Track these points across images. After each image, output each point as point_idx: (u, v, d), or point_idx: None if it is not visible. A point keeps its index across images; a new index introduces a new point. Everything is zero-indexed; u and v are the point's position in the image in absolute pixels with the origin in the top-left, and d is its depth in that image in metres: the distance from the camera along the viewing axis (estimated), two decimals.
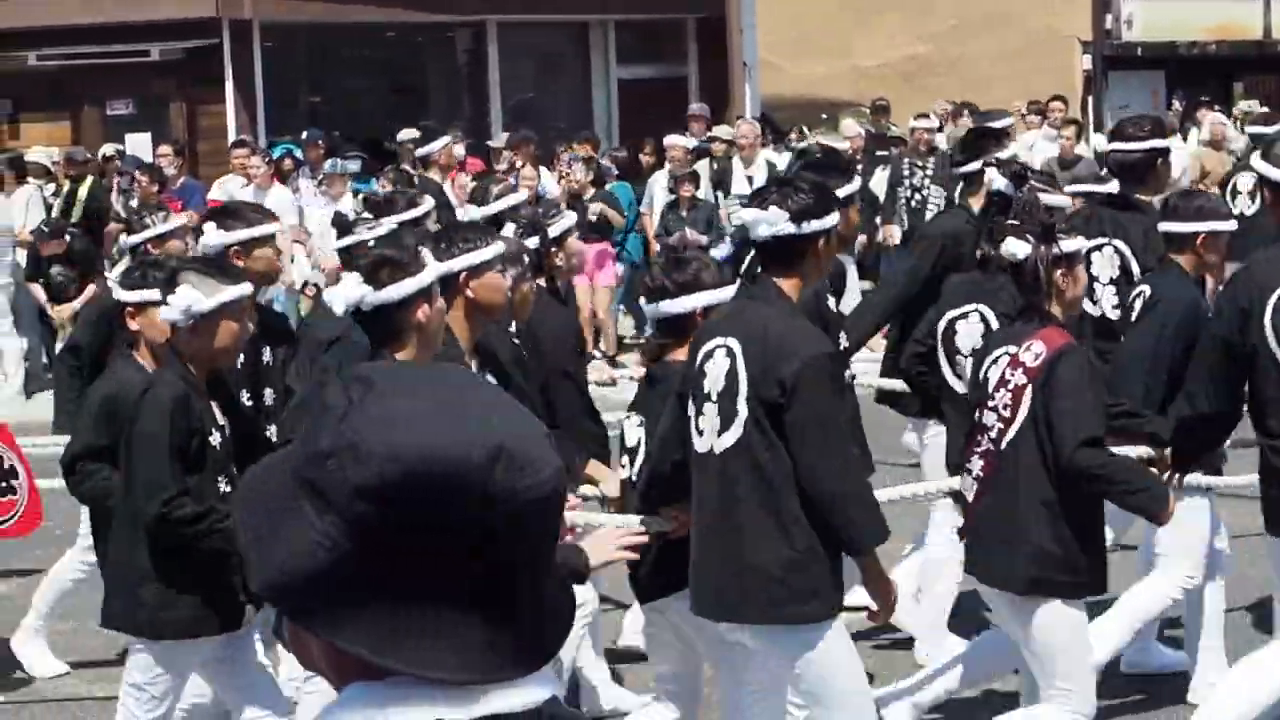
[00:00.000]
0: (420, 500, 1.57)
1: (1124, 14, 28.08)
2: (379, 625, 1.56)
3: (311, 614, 1.58)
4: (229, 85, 20.87)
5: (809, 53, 30.01)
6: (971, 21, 30.78)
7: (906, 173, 16.41)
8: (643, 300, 5.94)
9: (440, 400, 1.63)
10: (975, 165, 7.69)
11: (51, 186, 16.85)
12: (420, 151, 15.34)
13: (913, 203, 16.36)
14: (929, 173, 16.24)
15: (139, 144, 19.77)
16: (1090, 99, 25.95)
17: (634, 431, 5.74)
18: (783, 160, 17.30)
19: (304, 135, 18.20)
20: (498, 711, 1.59)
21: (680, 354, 5.55)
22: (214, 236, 6.65)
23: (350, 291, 5.05)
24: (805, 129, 19.22)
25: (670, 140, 17.31)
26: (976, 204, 7.57)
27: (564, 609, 1.69)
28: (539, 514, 1.61)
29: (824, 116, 24.07)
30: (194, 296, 5.41)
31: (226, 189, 16.25)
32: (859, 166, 17.05)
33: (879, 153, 18.02)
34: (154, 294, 5.85)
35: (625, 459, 5.83)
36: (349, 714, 1.59)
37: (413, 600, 1.57)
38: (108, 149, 18.49)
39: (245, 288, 5.64)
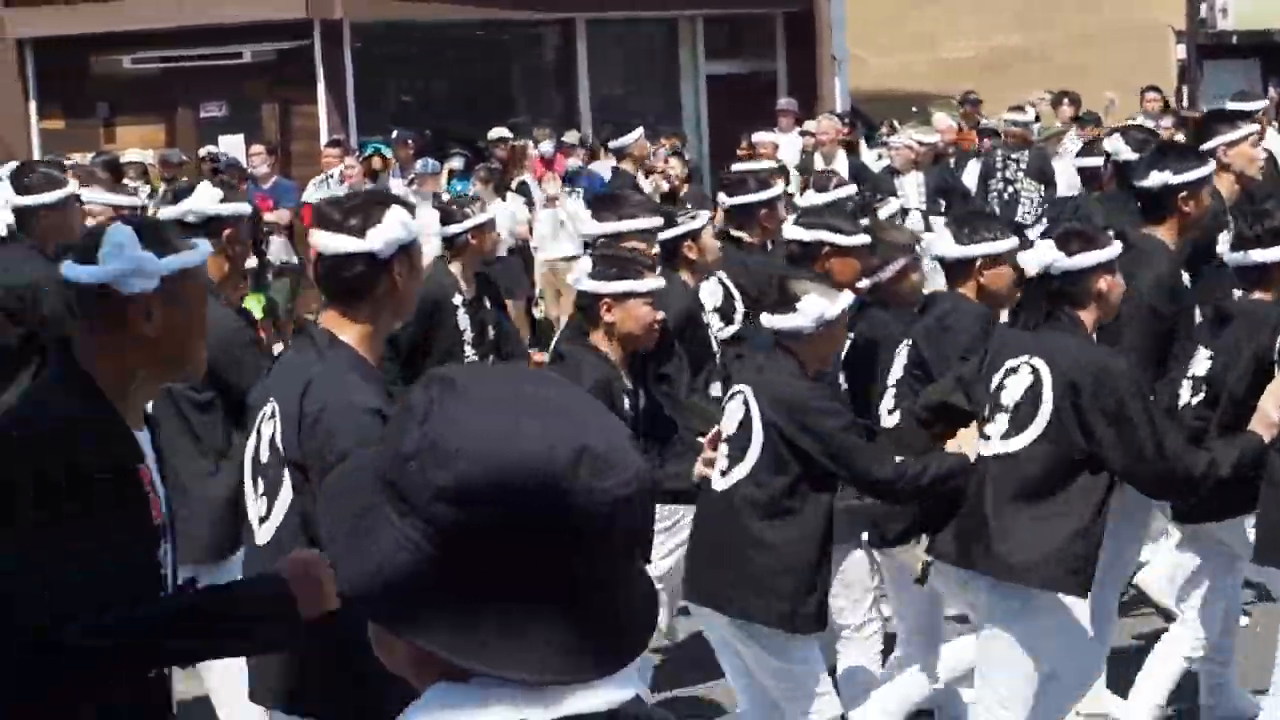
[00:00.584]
0: (501, 501, 1.57)
1: (1218, 2, 27.76)
2: (461, 626, 1.57)
3: (395, 616, 1.59)
4: (320, 86, 21.02)
5: (897, 46, 29.87)
6: (1062, 11, 30.54)
7: (999, 165, 16.28)
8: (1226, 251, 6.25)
9: (522, 401, 1.63)
10: (1212, 143, 7.57)
11: (147, 188, 17.02)
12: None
13: (1005, 195, 16.24)
14: (1022, 166, 16.10)
15: (232, 145, 19.94)
16: (1185, 88, 25.68)
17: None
18: (870, 155, 17.23)
19: (394, 135, 18.30)
20: (580, 712, 1.59)
21: None
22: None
23: (1043, 255, 5.52)
24: (895, 123, 19.09)
25: (759, 137, 17.27)
26: (1223, 187, 7.43)
27: (647, 609, 1.69)
28: (622, 514, 1.61)
29: (914, 109, 23.94)
30: (823, 305, 5.59)
31: (320, 189, 16.36)
32: (951, 160, 16.99)
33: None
34: (634, 284, 5.94)
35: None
36: (432, 714, 1.59)
37: (495, 601, 1.57)
38: (203, 151, 18.67)
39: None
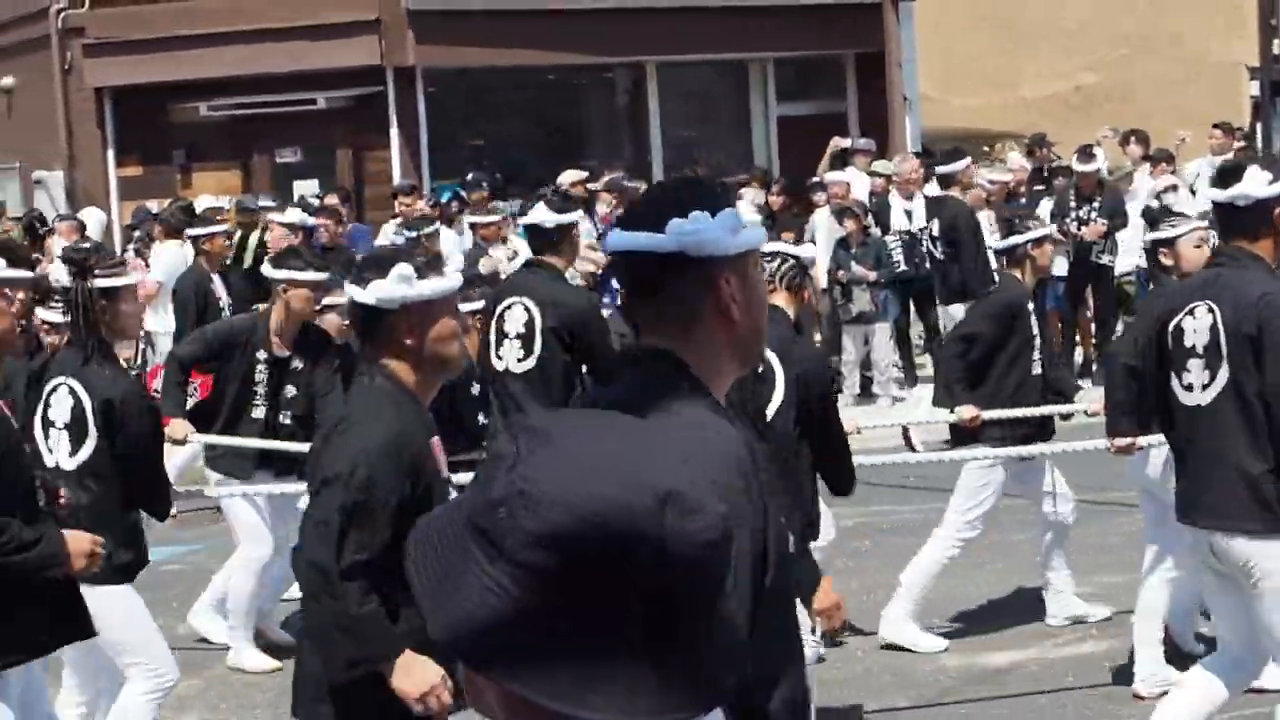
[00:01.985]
0: (590, 546, 1.58)
1: None
2: (553, 670, 1.58)
3: (486, 660, 1.61)
4: (394, 131, 21.19)
5: (971, 85, 29.80)
6: (1136, 50, 30.40)
7: (1073, 204, 16.22)
8: None
9: (608, 446, 1.65)
10: None
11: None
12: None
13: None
14: (1095, 206, 16.04)
15: (307, 191, 20.10)
16: (1259, 125, 25.49)
17: None
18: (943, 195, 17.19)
19: (468, 178, 18.41)
20: None
21: None
22: None
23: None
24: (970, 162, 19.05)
25: (831, 176, 17.28)
26: None
27: (736, 648, 1.70)
28: (709, 557, 1.62)
29: (985, 149, 23.88)
30: None
31: (392, 233, 16.46)
32: (1023, 198, 16.94)
33: (1036, 186, 17.90)
34: None
35: None
36: None
37: (585, 645, 1.59)
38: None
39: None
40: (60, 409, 6.41)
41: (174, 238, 15.66)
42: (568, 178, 17.67)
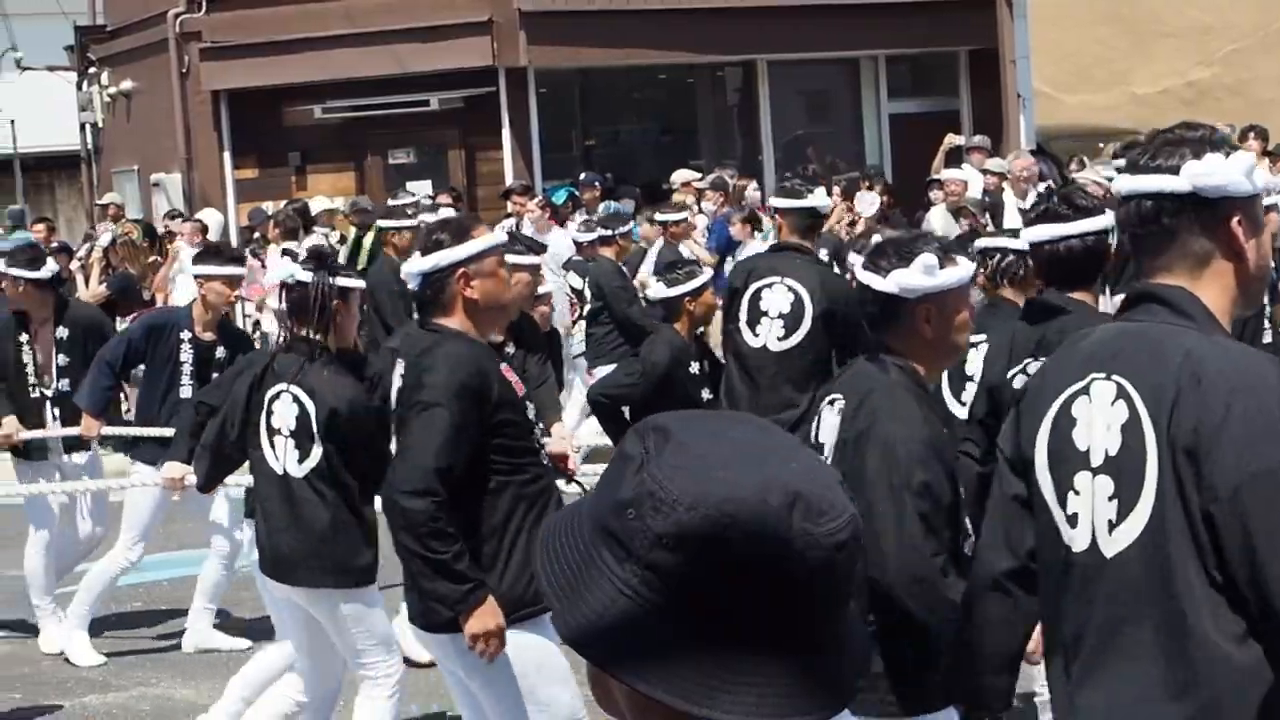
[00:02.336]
0: (719, 548, 1.58)
1: None
2: (683, 671, 1.58)
3: (615, 660, 1.61)
4: (506, 132, 21.28)
5: (1086, 82, 29.48)
6: (1253, 45, 29.98)
7: None
8: None
9: (737, 447, 1.65)
10: None
11: (336, 234, 17.32)
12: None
13: None
14: None
15: (419, 192, 20.21)
16: None
17: None
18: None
19: (581, 177, 18.46)
20: None
21: None
22: None
23: None
24: (1085, 159, 18.86)
25: (948, 174, 17.16)
26: None
27: (861, 651, 1.69)
28: (836, 558, 1.62)
29: (1100, 146, 23.64)
30: None
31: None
32: None
33: None
34: None
35: None
36: None
37: (714, 645, 1.59)
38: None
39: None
40: (285, 416, 6.34)
41: (289, 239, 15.82)
42: (679, 177, 17.68)
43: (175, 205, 21.90)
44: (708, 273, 9.07)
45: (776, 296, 8.17)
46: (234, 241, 20.08)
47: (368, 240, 16.86)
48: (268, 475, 6.39)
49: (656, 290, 8.83)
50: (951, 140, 19.10)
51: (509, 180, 19.82)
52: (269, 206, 18.84)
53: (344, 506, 6.36)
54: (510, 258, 8.51)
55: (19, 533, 10.00)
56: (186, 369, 8.98)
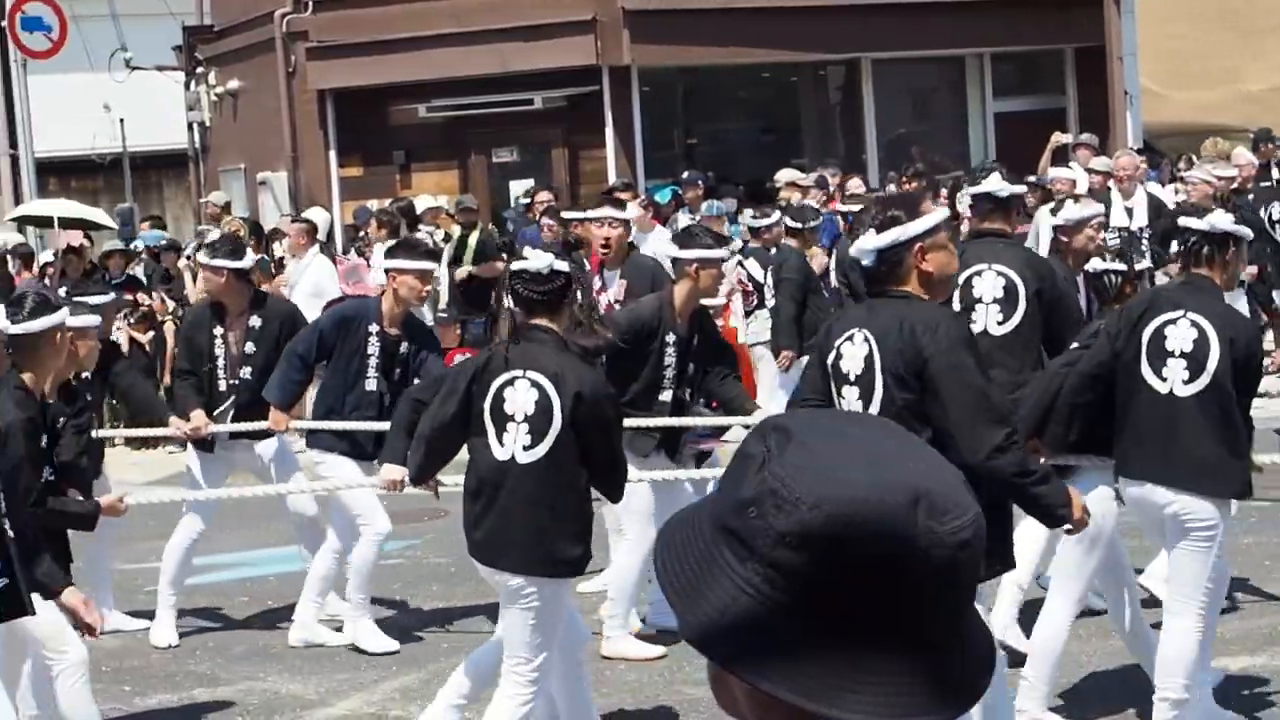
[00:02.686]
0: (842, 547, 1.57)
1: None
2: (806, 670, 1.57)
3: (737, 659, 1.60)
4: (609, 130, 21.31)
5: (1194, 79, 29.18)
6: None
7: None
8: None
9: (858, 446, 1.64)
10: None
11: (440, 233, 17.41)
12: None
13: None
14: None
15: (521, 191, 20.31)
16: None
17: None
18: (1165, 191, 16.86)
19: (684, 176, 18.46)
20: None
21: None
22: None
23: None
24: (1194, 157, 18.65)
25: (1056, 172, 17.02)
26: None
27: (985, 651, 1.68)
28: (961, 557, 1.61)
29: (1208, 143, 23.36)
30: None
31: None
32: (1250, 195, 16.54)
33: (1263, 183, 17.46)
34: None
35: None
36: None
37: (838, 645, 1.58)
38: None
39: None
40: (521, 403, 6.40)
41: (393, 236, 15.91)
42: (784, 177, 17.63)
43: (281, 204, 22.11)
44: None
45: (987, 283, 8.34)
46: (339, 240, 20.25)
47: (472, 239, 16.95)
48: (489, 462, 6.43)
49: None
50: (1058, 139, 18.95)
51: (611, 179, 19.84)
52: (373, 205, 18.97)
53: (568, 495, 6.42)
54: (696, 252, 8.71)
55: (129, 530, 10.12)
56: (373, 362, 9.03)
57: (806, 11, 21.33)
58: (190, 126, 25.57)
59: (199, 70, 24.82)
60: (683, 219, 16.79)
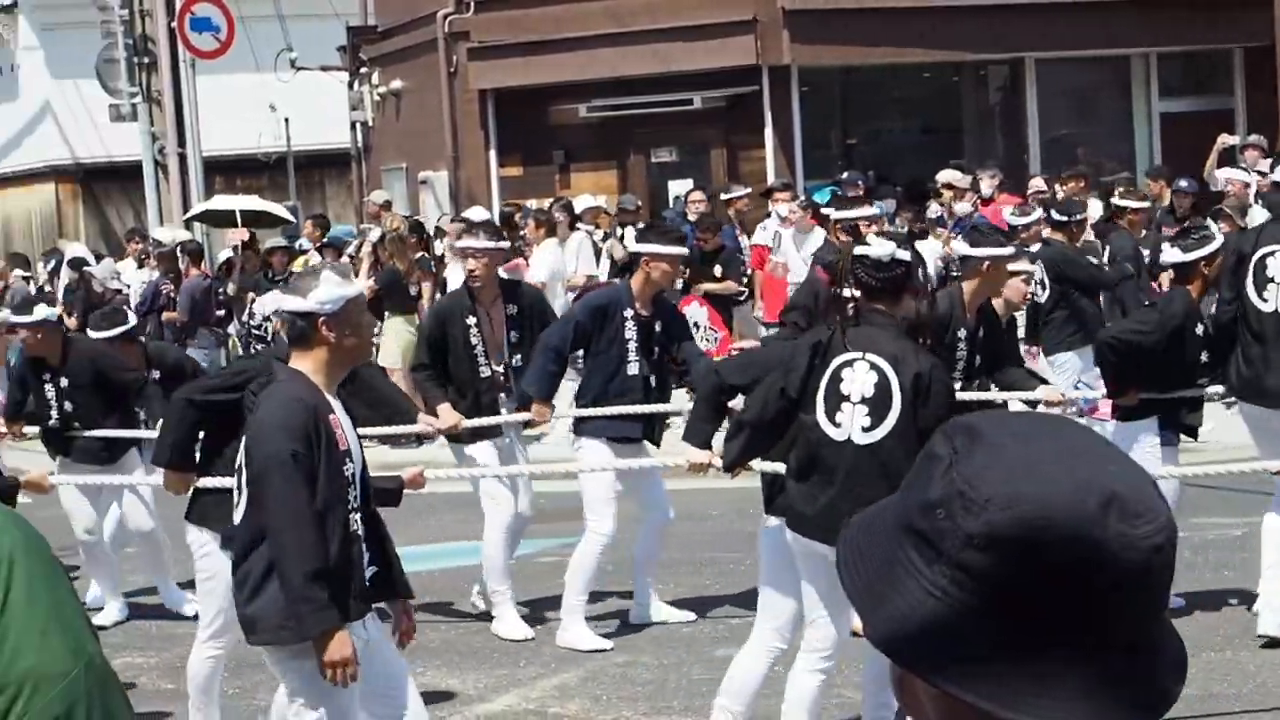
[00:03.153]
0: (1032, 549, 1.55)
1: None
2: (994, 674, 1.55)
3: (923, 662, 1.58)
4: (768, 130, 21.27)
5: None
6: None
7: None
8: None
9: (1049, 448, 1.61)
10: None
11: (600, 232, 17.48)
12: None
13: None
14: None
15: (681, 191, 20.32)
16: None
17: None
18: None
19: (843, 176, 18.38)
20: None
21: None
22: None
23: None
24: None
25: (1227, 173, 16.73)
26: None
27: (1178, 653, 1.65)
28: (1153, 562, 1.58)
29: None
30: None
31: (767, 232, 16.56)
32: None
33: None
34: None
35: None
36: None
37: (1026, 649, 1.55)
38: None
39: None
40: (860, 384, 6.47)
41: (550, 235, 15.99)
42: (945, 178, 17.49)
43: (442, 203, 22.32)
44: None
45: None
46: None
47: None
48: (823, 441, 6.49)
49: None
50: (1224, 140, 18.62)
51: (770, 179, 19.80)
52: (532, 204, 19.09)
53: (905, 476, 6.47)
54: (987, 250, 8.90)
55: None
56: (632, 346, 9.18)
57: (969, 11, 21.14)
58: (353, 126, 25.89)
59: (362, 70, 25.12)
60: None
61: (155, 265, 18.84)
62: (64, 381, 9.83)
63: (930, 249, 15.12)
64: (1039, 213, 13.45)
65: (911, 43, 21.34)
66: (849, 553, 1.68)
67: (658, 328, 9.21)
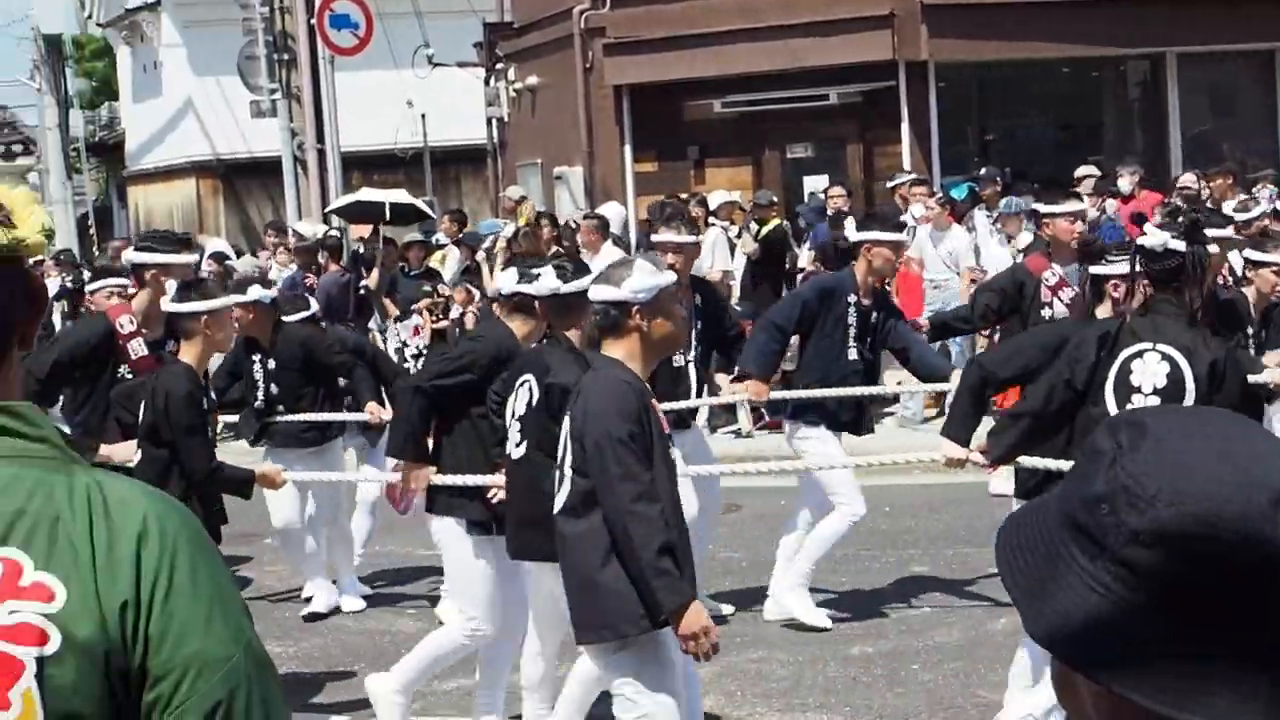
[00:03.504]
0: (1198, 545, 1.53)
1: None
2: (1159, 673, 1.53)
3: (1086, 659, 1.57)
4: (904, 126, 21.15)
5: None
6: None
7: None
8: None
9: (1216, 444, 1.59)
10: None
11: (735, 228, 17.46)
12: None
13: None
14: None
15: (816, 186, 20.27)
16: None
17: None
18: None
19: (981, 173, 18.24)
20: None
21: None
22: None
23: None
24: None
25: None
26: None
27: None
28: None
29: None
30: None
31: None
32: None
33: None
34: None
35: None
36: None
37: (1193, 646, 1.53)
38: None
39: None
40: (1151, 374, 6.45)
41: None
42: (1083, 174, 17.30)
43: (577, 198, 22.38)
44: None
45: None
46: (633, 235, 20.43)
47: (764, 234, 16.96)
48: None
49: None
50: None
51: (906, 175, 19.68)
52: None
53: None
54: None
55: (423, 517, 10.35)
56: (852, 332, 9.26)
57: (1108, 5, 20.87)
58: (489, 122, 26.05)
59: (498, 66, 25.26)
60: (979, 217, 16.60)
61: (293, 259, 19.02)
62: (271, 364, 9.85)
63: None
64: (1264, 205, 13.22)
65: (1050, 37, 21.10)
66: (1009, 547, 1.67)
67: (873, 317, 9.28)
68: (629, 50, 21.86)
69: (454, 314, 17.26)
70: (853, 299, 9.24)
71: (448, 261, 18.75)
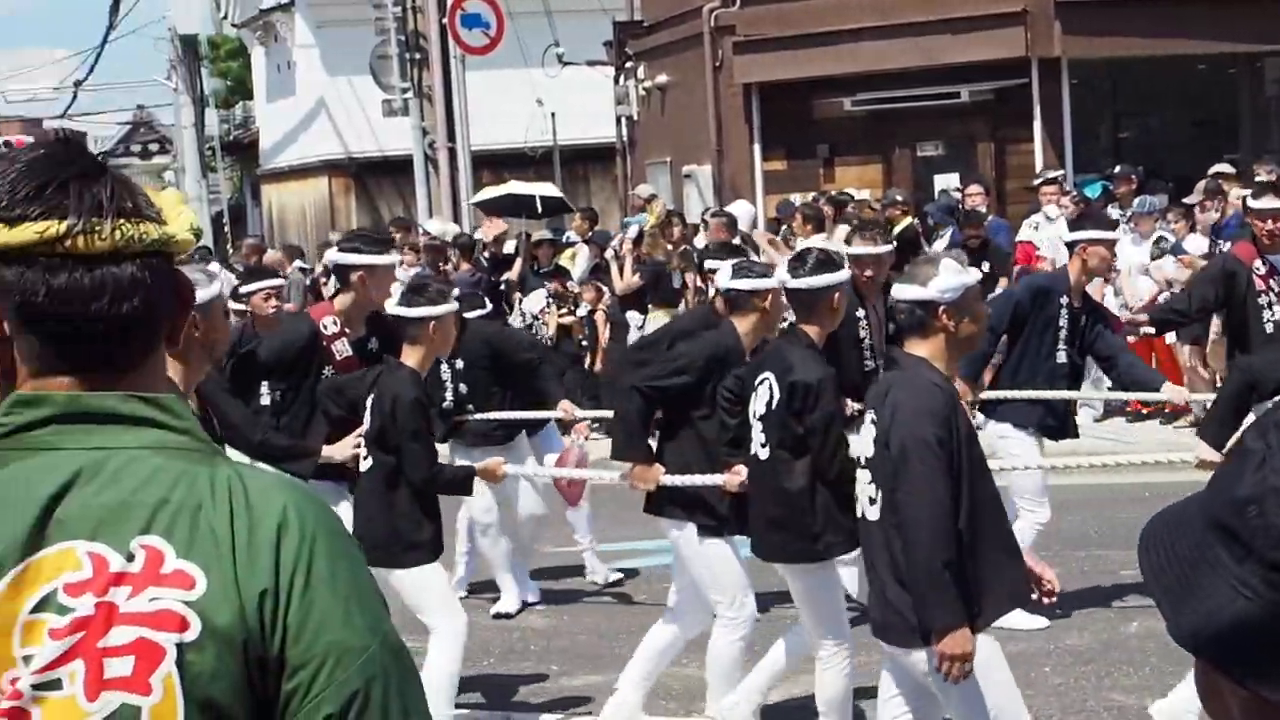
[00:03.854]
0: None
1: None
2: None
3: (1233, 664, 1.55)
4: (1037, 124, 20.96)
5: None
6: None
7: None
8: None
9: None
10: None
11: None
12: None
13: None
14: None
15: (947, 185, 20.13)
16: None
17: None
18: None
19: (1115, 170, 18.03)
20: None
21: None
22: None
23: None
24: None
25: None
26: None
27: None
28: None
29: None
30: None
31: (1039, 231, 16.32)
32: None
33: None
34: None
35: None
36: None
37: None
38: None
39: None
40: None
41: (817, 231, 15.94)
42: (1218, 170, 17.03)
43: (705, 197, 22.38)
44: None
45: None
46: (761, 233, 20.40)
47: (893, 232, 16.86)
48: None
49: None
50: None
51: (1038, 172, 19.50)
52: (796, 199, 19.05)
53: None
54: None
55: (559, 514, 10.41)
56: (1063, 335, 9.21)
57: (1244, 0, 20.57)
58: (618, 120, 26.11)
59: (628, 65, 25.32)
60: (1113, 215, 16.41)
61: (420, 258, 18.98)
62: (459, 363, 9.86)
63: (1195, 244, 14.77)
64: None
65: (1184, 34, 20.82)
66: (1151, 550, 1.64)
67: (1082, 320, 9.19)
68: (758, 48, 21.83)
69: (582, 311, 17.30)
70: (1065, 300, 9.13)
71: (577, 259, 18.78)
